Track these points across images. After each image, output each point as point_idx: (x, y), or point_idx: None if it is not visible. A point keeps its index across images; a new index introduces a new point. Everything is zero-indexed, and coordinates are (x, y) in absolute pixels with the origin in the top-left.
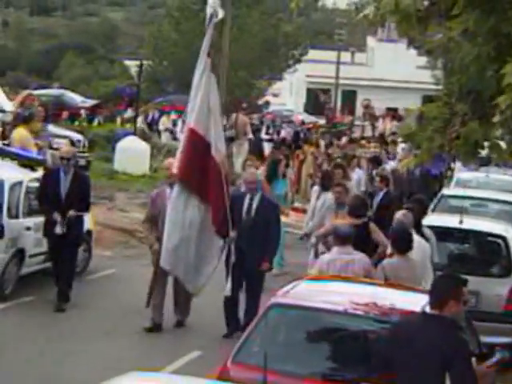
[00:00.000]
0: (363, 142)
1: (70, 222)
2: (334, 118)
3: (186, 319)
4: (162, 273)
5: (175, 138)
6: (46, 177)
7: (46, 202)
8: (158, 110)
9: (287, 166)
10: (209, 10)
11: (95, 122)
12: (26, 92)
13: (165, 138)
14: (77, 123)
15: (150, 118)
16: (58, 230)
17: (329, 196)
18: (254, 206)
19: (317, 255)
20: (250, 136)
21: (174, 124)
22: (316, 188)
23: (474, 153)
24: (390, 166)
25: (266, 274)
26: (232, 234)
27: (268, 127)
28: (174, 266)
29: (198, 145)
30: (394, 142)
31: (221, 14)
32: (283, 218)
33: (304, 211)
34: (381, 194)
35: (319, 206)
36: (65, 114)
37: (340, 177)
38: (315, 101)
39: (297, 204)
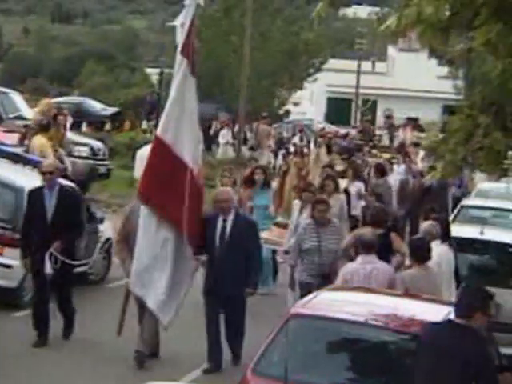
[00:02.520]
0: (374, 151)
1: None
2: (371, 130)
3: (157, 351)
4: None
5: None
6: (29, 198)
7: (29, 229)
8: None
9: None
10: (186, 9)
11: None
12: (46, 100)
13: (223, 151)
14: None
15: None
16: (48, 269)
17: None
18: (228, 228)
19: (292, 282)
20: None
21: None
22: (297, 201)
23: (498, 163)
24: (396, 176)
25: (247, 300)
26: (203, 258)
27: (301, 139)
28: (145, 291)
29: (165, 156)
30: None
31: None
32: (267, 235)
33: (287, 226)
34: None
35: (302, 221)
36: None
37: (331, 189)
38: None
39: (280, 219)
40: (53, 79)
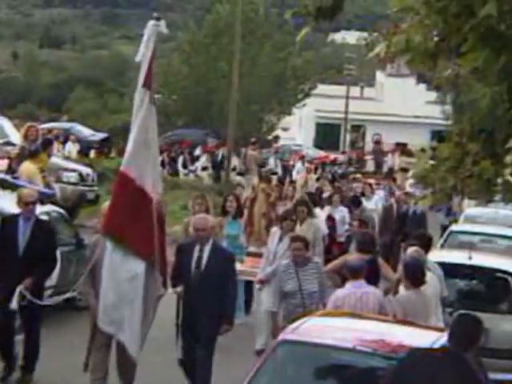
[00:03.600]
0: (358, 175)
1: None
2: (362, 156)
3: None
4: (103, 335)
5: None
6: (1, 225)
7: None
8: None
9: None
10: (146, 38)
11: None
12: (27, 124)
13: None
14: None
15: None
16: (14, 304)
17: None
18: (205, 257)
19: (276, 331)
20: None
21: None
22: (276, 229)
23: (488, 190)
24: (373, 203)
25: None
26: (178, 288)
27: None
28: (115, 326)
29: (130, 190)
30: (404, 177)
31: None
32: (240, 266)
33: (261, 256)
34: None
35: (281, 250)
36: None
37: (304, 215)
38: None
39: (252, 248)
40: (42, 105)
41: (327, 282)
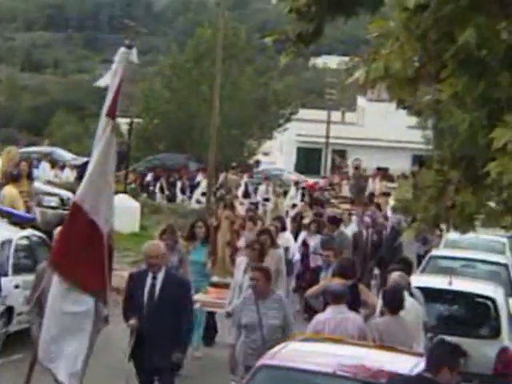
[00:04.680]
0: (335, 201)
1: None
2: (340, 181)
3: None
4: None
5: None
6: None
7: None
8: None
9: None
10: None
11: None
12: (8, 148)
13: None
14: None
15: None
16: None
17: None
18: (158, 286)
19: (234, 364)
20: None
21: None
22: (242, 258)
23: (470, 224)
24: (350, 228)
25: (178, 365)
26: (132, 321)
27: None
28: (54, 364)
29: (82, 223)
30: (385, 202)
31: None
32: (204, 298)
33: (226, 286)
34: (329, 270)
35: (247, 281)
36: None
37: (267, 245)
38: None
39: (216, 278)
40: (23, 128)
41: (292, 316)
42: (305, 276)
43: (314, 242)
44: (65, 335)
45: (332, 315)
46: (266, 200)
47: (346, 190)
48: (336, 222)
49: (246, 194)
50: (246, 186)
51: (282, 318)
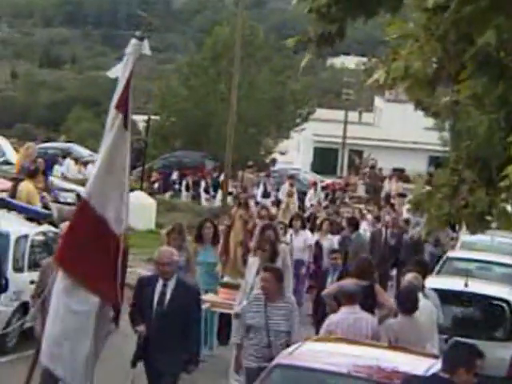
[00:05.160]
0: (348, 201)
1: None
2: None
3: None
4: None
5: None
6: None
7: None
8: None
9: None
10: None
11: None
12: (27, 144)
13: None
14: None
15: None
16: None
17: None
18: (168, 294)
19: (238, 365)
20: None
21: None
22: (254, 259)
23: (482, 223)
24: (365, 230)
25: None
26: (140, 328)
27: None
28: (55, 364)
29: (90, 220)
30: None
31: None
32: (214, 298)
33: (236, 287)
34: (336, 273)
35: (259, 282)
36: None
37: (272, 239)
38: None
39: (227, 279)
40: (40, 124)
41: (298, 322)
42: (316, 277)
43: (328, 242)
44: (64, 334)
45: (345, 315)
46: None
47: (361, 190)
48: (355, 223)
49: (265, 194)
50: (265, 185)
51: (288, 325)
